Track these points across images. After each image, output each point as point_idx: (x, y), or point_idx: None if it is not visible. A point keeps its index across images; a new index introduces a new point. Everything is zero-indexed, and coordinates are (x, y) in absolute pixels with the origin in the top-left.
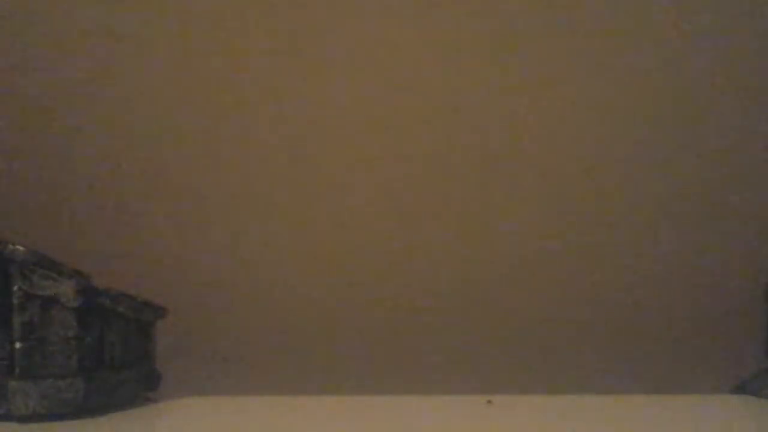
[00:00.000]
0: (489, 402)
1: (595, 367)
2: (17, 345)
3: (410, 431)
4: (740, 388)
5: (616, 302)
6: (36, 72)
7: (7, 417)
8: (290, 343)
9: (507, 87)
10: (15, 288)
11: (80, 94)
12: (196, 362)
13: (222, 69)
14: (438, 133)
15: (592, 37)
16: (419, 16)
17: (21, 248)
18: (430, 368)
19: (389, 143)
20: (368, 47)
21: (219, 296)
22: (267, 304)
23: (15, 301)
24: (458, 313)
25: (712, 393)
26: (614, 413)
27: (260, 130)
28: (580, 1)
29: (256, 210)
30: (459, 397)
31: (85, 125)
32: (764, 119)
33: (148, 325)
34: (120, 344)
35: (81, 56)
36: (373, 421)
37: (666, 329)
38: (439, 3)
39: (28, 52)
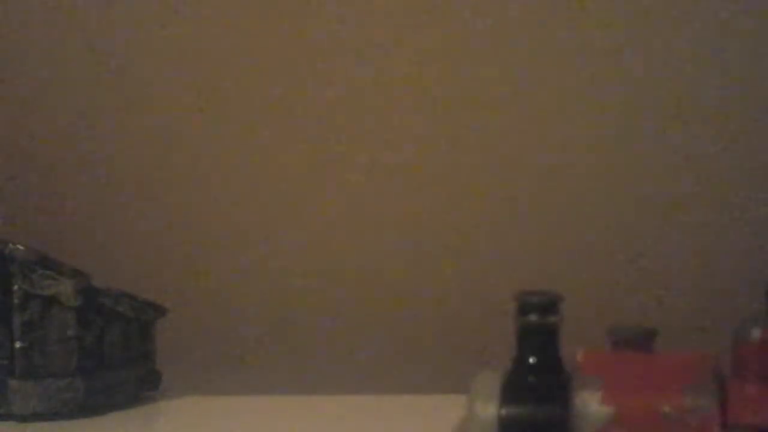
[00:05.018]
0: None
1: None
2: (17, 345)
3: (411, 431)
4: None
5: (614, 302)
6: (35, 70)
7: (7, 417)
8: (290, 343)
9: (513, 85)
10: (15, 287)
11: (81, 92)
12: (196, 362)
13: (222, 67)
14: (442, 132)
15: (597, 36)
16: (428, 14)
17: (21, 248)
18: (433, 368)
19: (393, 146)
20: (373, 50)
21: (219, 296)
22: (268, 304)
23: (15, 300)
24: (461, 313)
25: None
26: None
27: (264, 130)
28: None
29: (257, 210)
30: (460, 396)
31: (86, 124)
32: (765, 118)
33: (148, 325)
34: (120, 344)
35: (82, 54)
36: (374, 420)
37: (665, 329)
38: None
39: (27, 49)
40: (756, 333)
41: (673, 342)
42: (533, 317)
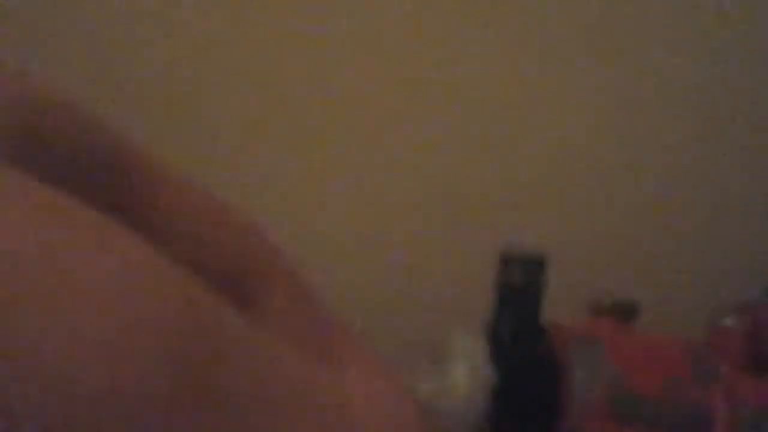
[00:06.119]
0: None
1: None
2: None
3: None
4: None
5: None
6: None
7: None
8: None
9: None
10: None
11: (81, 83)
12: None
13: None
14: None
15: (605, 28)
16: None
17: None
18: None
19: (397, 143)
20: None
21: None
22: None
23: None
24: (461, 309)
25: None
26: None
27: (264, 122)
28: None
29: (258, 207)
30: None
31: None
32: (765, 117)
33: None
34: None
35: (79, 51)
36: None
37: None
38: None
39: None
40: (728, 322)
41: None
42: (517, 275)
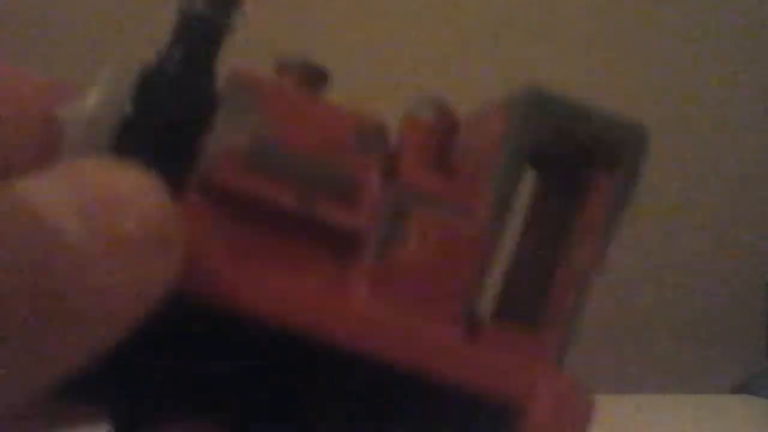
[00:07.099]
0: None
1: (595, 367)
2: None
3: None
4: (740, 388)
5: (615, 303)
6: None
7: None
8: None
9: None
10: None
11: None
12: None
13: None
14: None
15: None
16: None
17: None
18: None
19: None
20: None
21: None
22: None
23: None
24: None
25: (712, 393)
26: (614, 413)
27: None
28: None
29: None
30: None
31: None
32: (765, 119)
33: None
34: None
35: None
36: None
37: (666, 329)
38: None
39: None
40: (423, 113)
41: (672, 340)
42: (200, 6)
